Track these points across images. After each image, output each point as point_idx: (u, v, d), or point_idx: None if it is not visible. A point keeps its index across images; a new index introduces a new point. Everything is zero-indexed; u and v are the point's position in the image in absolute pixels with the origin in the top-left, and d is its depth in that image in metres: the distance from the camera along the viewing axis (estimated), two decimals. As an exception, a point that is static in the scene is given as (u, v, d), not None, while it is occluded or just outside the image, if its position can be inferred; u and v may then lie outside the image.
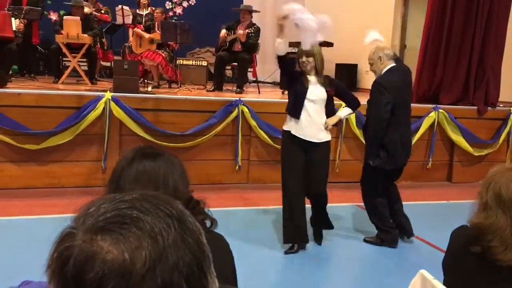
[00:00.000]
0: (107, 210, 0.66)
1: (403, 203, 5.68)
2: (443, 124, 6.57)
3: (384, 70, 4.09)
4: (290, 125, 3.96)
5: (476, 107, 6.81)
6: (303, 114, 3.86)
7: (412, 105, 6.86)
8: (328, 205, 5.34)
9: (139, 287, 0.60)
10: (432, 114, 6.49)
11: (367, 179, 4.23)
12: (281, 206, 5.28)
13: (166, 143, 5.48)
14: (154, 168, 1.39)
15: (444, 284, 1.67)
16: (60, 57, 7.34)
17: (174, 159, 1.45)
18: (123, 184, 1.37)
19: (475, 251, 1.55)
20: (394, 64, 4.12)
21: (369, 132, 4.11)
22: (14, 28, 6.44)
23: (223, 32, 7.34)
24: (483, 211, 1.59)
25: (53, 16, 9.29)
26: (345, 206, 5.38)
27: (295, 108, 3.91)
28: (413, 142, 6.37)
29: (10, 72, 6.98)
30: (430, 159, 6.63)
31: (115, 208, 0.66)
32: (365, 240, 4.33)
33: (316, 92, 3.91)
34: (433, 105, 6.59)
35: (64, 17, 7.07)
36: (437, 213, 5.37)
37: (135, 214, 0.65)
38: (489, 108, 6.88)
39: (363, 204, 5.29)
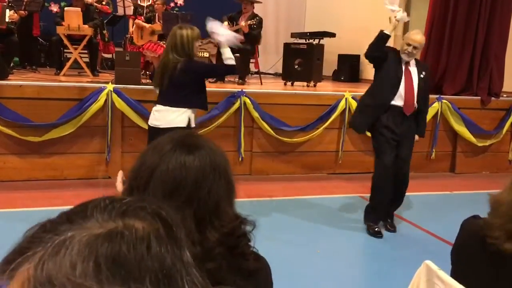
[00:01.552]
0: None
1: (407, 193, 5.69)
2: (446, 114, 6.54)
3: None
4: None
5: (479, 97, 6.77)
6: None
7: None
8: (331, 196, 5.37)
9: None
10: (436, 104, 6.45)
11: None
12: (284, 198, 5.30)
13: (169, 135, 5.45)
14: (196, 176, 1.02)
15: (452, 273, 1.66)
16: (62, 48, 7.31)
17: (218, 158, 1.08)
18: (152, 194, 1.02)
19: (485, 238, 1.52)
20: None
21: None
22: (7, 19, 6.38)
23: (225, 23, 7.29)
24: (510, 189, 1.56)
25: (54, 8, 9.24)
26: (348, 197, 5.37)
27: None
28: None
29: (12, 64, 6.97)
30: (434, 150, 6.60)
31: None
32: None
33: None
34: (437, 96, 6.55)
35: (65, 8, 7.03)
36: (440, 203, 5.36)
37: None
38: (492, 98, 6.84)
39: (366, 195, 5.30)
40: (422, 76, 4.20)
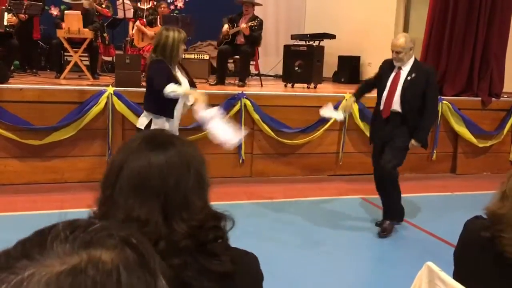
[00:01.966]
0: None
1: (408, 195, 5.68)
2: (447, 115, 6.53)
3: (411, 60, 4.17)
4: None
5: (480, 98, 6.77)
6: None
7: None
8: (332, 197, 5.36)
9: None
10: (436, 105, 6.45)
11: (398, 165, 4.29)
12: (285, 199, 5.31)
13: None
14: (162, 169, 1.03)
15: (454, 274, 1.66)
16: (62, 52, 7.32)
17: (190, 149, 1.10)
18: (119, 194, 1.02)
19: (485, 236, 1.53)
20: (414, 58, 4.25)
21: (432, 120, 4.37)
22: (5, 23, 6.39)
23: (226, 26, 7.30)
24: (500, 200, 1.57)
25: (54, 11, 9.26)
26: (349, 198, 5.36)
27: None
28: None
29: (12, 67, 6.97)
30: (434, 151, 6.60)
31: None
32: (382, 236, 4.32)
33: None
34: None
35: (65, 11, 7.04)
36: (441, 205, 5.35)
37: None
38: (493, 99, 6.83)
39: (367, 196, 5.29)
40: (409, 78, 4.14)
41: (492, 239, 1.52)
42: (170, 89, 3.63)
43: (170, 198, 1.01)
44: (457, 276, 1.59)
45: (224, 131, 3.38)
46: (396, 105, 4.19)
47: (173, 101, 3.75)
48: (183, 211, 1.01)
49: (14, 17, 6.55)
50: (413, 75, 4.14)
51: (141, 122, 3.89)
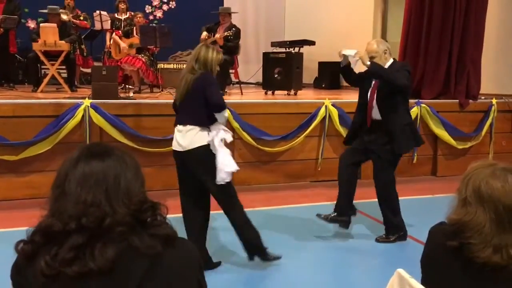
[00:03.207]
0: None
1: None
2: (425, 118, 6.59)
3: (388, 64, 4.08)
4: None
5: (457, 100, 6.85)
6: None
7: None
8: (312, 204, 5.35)
9: None
10: (415, 109, 6.50)
11: (389, 173, 4.24)
12: (267, 207, 5.28)
13: (149, 149, 5.42)
14: (103, 168, 1.25)
15: (422, 281, 1.65)
16: (39, 65, 7.24)
17: (126, 157, 1.32)
18: (69, 188, 1.23)
19: (452, 245, 1.54)
20: (393, 59, 4.17)
21: (392, 77, 3.97)
22: None
23: (204, 34, 7.30)
24: (462, 207, 1.58)
25: (31, 24, 9.18)
26: (331, 204, 5.35)
27: None
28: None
29: (-12, 82, 6.89)
30: (415, 154, 6.64)
31: None
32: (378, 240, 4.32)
33: None
34: (415, 100, 6.60)
35: (41, 24, 6.98)
36: (422, 207, 5.37)
37: None
38: (470, 101, 6.91)
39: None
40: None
41: (459, 247, 1.52)
42: (223, 119, 3.49)
43: (111, 188, 1.23)
44: (425, 283, 1.59)
45: (229, 160, 3.46)
46: (375, 114, 4.16)
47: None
48: (124, 198, 1.23)
49: None
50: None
51: (201, 138, 3.41)
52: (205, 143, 3.38)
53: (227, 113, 3.54)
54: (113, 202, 1.22)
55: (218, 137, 3.42)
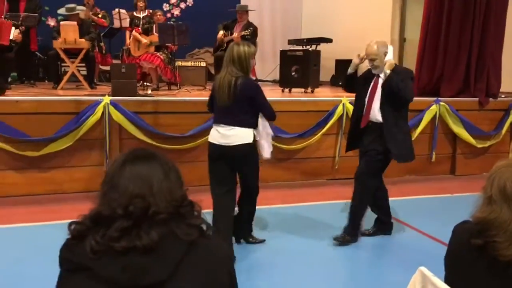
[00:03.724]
0: None
1: (408, 197, 5.67)
2: (444, 117, 6.53)
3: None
4: None
5: (477, 98, 6.77)
6: None
7: (414, 98, 6.88)
8: (331, 202, 5.35)
9: None
10: (433, 107, 6.45)
11: (375, 180, 4.19)
12: (284, 205, 5.29)
13: (167, 145, 5.46)
14: (149, 170, 1.39)
15: (445, 279, 1.65)
16: (59, 62, 7.34)
17: (168, 161, 1.46)
18: (117, 182, 1.37)
19: (476, 243, 1.53)
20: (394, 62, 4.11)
21: (406, 90, 3.93)
22: (11, 37, 6.44)
23: (221, 33, 7.33)
24: (487, 206, 1.57)
25: (51, 22, 9.30)
26: (348, 202, 5.34)
27: None
28: (415, 135, 6.38)
29: (10, 79, 6.99)
30: (434, 153, 6.59)
31: None
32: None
33: None
34: (434, 98, 6.55)
35: (61, 22, 7.07)
36: (441, 207, 5.33)
37: None
38: (490, 99, 6.83)
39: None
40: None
41: (484, 245, 1.52)
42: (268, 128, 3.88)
43: (156, 187, 1.36)
44: (449, 281, 1.59)
45: (268, 145, 3.91)
46: (374, 115, 4.05)
47: None
48: (167, 195, 1.37)
49: (20, 35, 6.58)
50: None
51: (247, 136, 3.69)
52: (250, 141, 3.68)
53: None
54: (156, 196, 1.35)
55: (265, 130, 3.85)
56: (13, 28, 6.45)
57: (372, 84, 4.09)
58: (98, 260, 1.29)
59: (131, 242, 1.29)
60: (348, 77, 4.32)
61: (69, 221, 1.39)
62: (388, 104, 3.98)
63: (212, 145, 3.78)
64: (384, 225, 4.40)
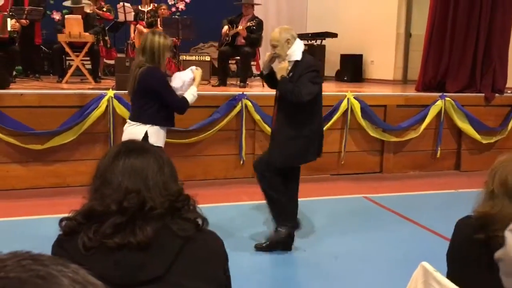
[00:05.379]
0: None
1: (412, 192, 5.64)
2: (450, 112, 6.49)
3: (294, 57, 3.60)
4: None
5: (483, 94, 6.72)
6: None
7: (419, 93, 6.87)
8: (335, 197, 5.33)
9: None
10: (439, 102, 6.41)
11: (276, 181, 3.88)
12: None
13: (170, 139, 5.43)
14: (142, 163, 1.36)
15: (447, 274, 1.64)
16: (63, 56, 7.34)
17: (162, 154, 1.43)
18: (110, 177, 1.34)
19: (479, 238, 1.52)
20: (303, 49, 3.71)
21: (293, 93, 3.54)
22: (9, 28, 6.43)
23: (225, 28, 7.30)
24: (489, 200, 1.56)
25: (56, 16, 9.29)
26: (352, 197, 5.34)
27: None
28: (420, 131, 6.35)
29: (15, 73, 7.01)
30: (439, 148, 6.55)
31: None
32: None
33: None
34: (440, 93, 6.51)
35: (66, 16, 7.07)
36: (446, 202, 5.31)
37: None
38: (496, 94, 6.78)
39: (369, 195, 5.27)
40: (288, 76, 3.61)
41: (486, 240, 1.50)
42: (190, 98, 3.54)
43: (151, 181, 1.34)
44: (451, 277, 1.57)
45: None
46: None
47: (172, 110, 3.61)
48: (162, 189, 1.34)
49: (17, 23, 6.58)
50: (290, 74, 3.60)
51: (136, 132, 3.43)
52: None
53: (190, 97, 3.56)
54: (151, 191, 1.33)
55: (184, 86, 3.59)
56: (8, 19, 6.42)
57: None
58: (90, 256, 1.26)
59: (125, 239, 1.26)
60: (266, 78, 3.91)
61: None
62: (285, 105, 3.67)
63: None
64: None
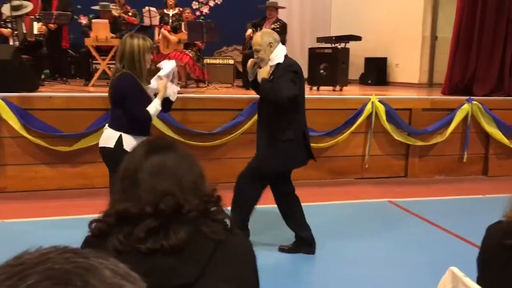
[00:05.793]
0: None
1: (439, 197, 5.56)
2: (477, 116, 6.37)
3: (277, 60, 3.56)
4: None
5: (511, 97, 6.59)
6: None
7: (445, 97, 6.77)
8: (359, 201, 5.29)
9: None
10: (465, 106, 6.30)
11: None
12: (311, 203, 5.25)
13: (194, 142, 5.50)
14: (173, 162, 1.32)
15: (478, 280, 1.61)
16: (90, 60, 7.47)
17: (188, 152, 1.40)
18: (142, 178, 1.29)
19: (510, 243, 1.48)
20: (285, 52, 3.66)
21: (275, 93, 3.50)
22: (35, 32, 6.57)
23: (249, 31, 7.32)
24: None
25: (83, 20, 9.47)
26: (376, 202, 5.28)
27: None
28: (447, 135, 6.25)
29: (43, 76, 7.16)
30: (466, 153, 6.44)
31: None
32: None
33: None
34: (466, 97, 6.40)
35: (93, 20, 7.19)
36: (473, 208, 5.21)
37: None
38: (525, 98, 6.64)
39: (394, 199, 5.21)
40: (269, 79, 3.56)
41: None
42: (153, 111, 3.36)
43: (184, 180, 1.30)
44: (481, 282, 1.54)
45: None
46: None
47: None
48: (195, 189, 1.31)
49: (44, 26, 6.72)
50: (271, 77, 3.55)
51: (108, 139, 3.37)
52: (111, 146, 3.32)
53: (153, 111, 3.37)
54: (185, 192, 1.29)
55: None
56: (34, 22, 6.56)
57: None
58: (120, 259, 1.24)
59: (157, 243, 1.23)
60: (252, 85, 3.86)
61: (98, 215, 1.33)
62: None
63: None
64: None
